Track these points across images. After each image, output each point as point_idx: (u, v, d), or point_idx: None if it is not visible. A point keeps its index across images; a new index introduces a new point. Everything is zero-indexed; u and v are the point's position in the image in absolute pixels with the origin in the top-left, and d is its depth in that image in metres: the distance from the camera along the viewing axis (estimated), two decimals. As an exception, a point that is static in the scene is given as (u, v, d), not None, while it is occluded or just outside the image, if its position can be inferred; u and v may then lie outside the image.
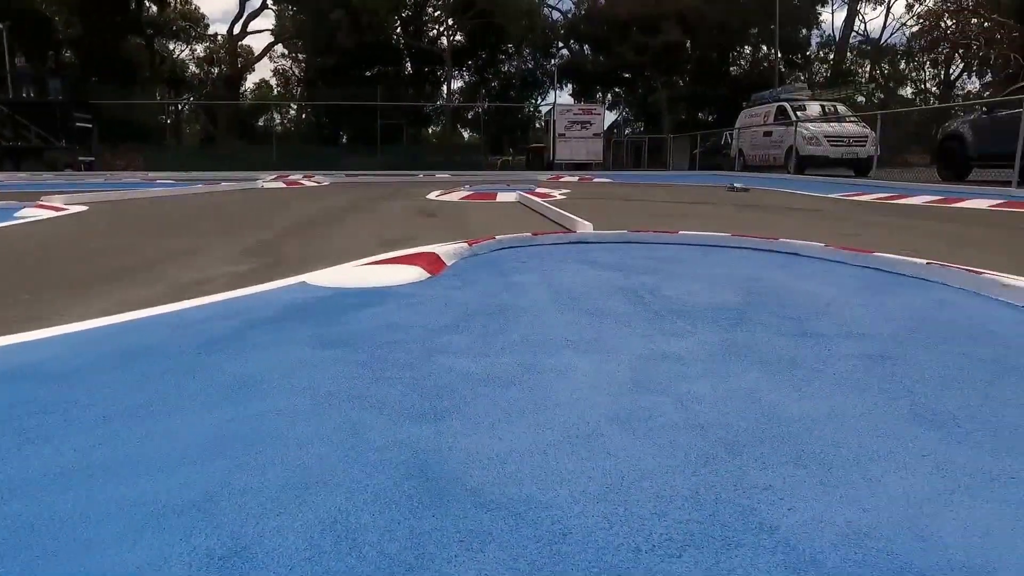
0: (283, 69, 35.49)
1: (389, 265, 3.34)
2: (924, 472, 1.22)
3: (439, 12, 36.65)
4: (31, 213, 6.59)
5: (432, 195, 10.05)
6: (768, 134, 20.08)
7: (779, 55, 33.28)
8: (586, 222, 5.00)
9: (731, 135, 23.73)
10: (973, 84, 35.32)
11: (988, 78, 32.50)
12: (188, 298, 2.71)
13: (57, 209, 6.99)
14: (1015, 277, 2.73)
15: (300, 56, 34.66)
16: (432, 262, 3.41)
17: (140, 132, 26.13)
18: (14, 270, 3.69)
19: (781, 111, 19.73)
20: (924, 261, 3.17)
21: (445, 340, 2.13)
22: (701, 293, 2.84)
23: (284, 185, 13.32)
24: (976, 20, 32.21)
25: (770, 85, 27.24)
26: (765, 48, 37.90)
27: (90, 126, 23.34)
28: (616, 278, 3.20)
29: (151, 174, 19.70)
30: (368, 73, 31.41)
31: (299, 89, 34.96)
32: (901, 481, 1.19)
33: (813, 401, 1.58)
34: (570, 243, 4.45)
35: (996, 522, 1.06)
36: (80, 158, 22.04)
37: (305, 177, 16.02)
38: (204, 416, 1.50)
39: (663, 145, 30.75)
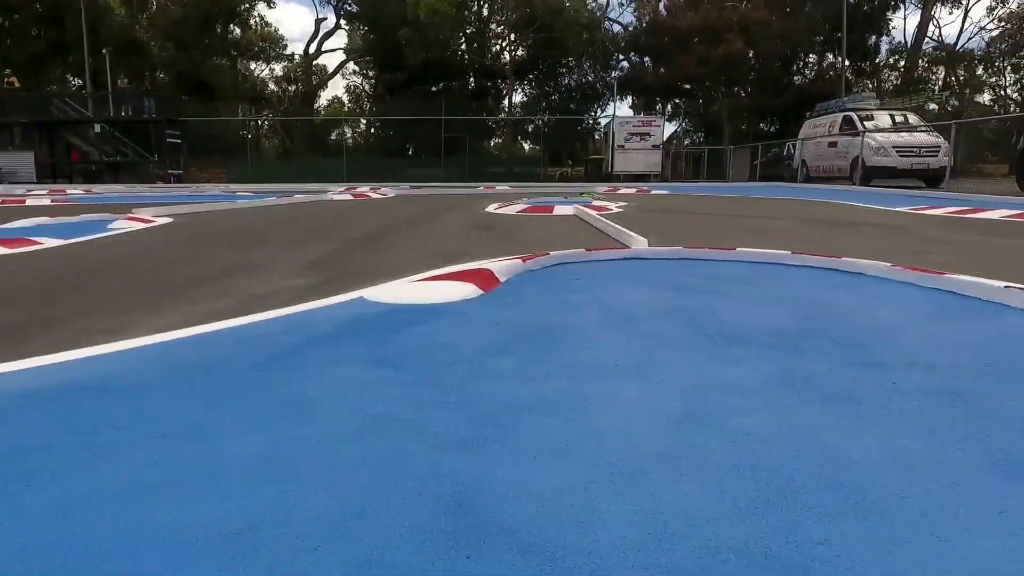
0: (354, 86, 36.64)
1: (445, 281, 3.36)
2: (1000, 532, 1.13)
3: (502, 28, 36.97)
4: (123, 225, 7.05)
5: (491, 208, 10.12)
6: (833, 145, 19.47)
7: (846, 63, 32.27)
8: (641, 238, 4.92)
9: (793, 146, 23.12)
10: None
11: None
12: (254, 312, 2.80)
13: (146, 221, 7.52)
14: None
15: (370, 73, 35.79)
16: (486, 279, 3.42)
17: (223, 147, 27.86)
18: (98, 280, 3.89)
19: (847, 121, 19.12)
20: (1002, 284, 2.98)
21: (493, 362, 2.11)
22: (757, 316, 2.74)
23: (352, 197, 13.65)
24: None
25: (835, 94, 26.46)
26: (831, 56, 36.81)
27: (179, 142, 25.77)
28: (669, 298, 3.13)
29: (232, 186, 20.71)
30: (434, 88, 32.25)
31: (368, 105, 36.14)
32: (973, 542, 1.10)
33: (876, 443, 1.49)
34: (624, 259, 4.38)
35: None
36: (170, 171, 24.30)
37: (372, 189, 16.43)
38: (256, 437, 1.52)
39: (723, 156, 30.16)
